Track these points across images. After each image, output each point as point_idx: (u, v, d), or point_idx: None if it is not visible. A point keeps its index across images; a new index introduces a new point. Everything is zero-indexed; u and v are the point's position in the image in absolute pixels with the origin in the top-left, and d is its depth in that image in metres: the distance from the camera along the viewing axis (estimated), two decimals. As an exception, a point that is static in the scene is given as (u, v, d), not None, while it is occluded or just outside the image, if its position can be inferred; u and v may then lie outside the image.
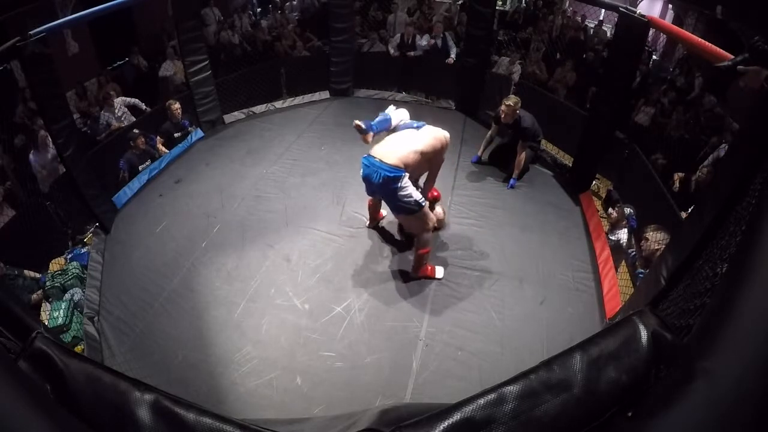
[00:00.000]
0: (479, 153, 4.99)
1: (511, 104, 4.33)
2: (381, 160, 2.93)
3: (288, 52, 6.78)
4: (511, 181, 4.66)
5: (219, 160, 5.02)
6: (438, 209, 3.87)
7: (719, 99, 5.38)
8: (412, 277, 3.53)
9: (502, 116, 4.42)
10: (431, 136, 3.18)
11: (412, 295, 3.41)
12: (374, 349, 3.04)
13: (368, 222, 4.03)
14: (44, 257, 3.90)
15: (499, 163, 4.91)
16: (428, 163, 3.26)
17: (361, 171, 3.08)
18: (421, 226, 3.25)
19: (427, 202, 3.26)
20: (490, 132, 4.96)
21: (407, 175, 2.97)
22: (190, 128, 5.36)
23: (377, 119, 3.21)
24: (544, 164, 5.06)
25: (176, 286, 3.50)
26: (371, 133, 3.16)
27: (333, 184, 4.55)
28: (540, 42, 7.09)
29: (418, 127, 3.22)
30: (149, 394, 0.80)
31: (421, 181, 3.50)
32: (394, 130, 3.24)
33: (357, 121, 3.13)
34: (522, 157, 4.57)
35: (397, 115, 3.30)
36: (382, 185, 2.97)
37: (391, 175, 2.91)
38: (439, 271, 3.55)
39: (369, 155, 3.01)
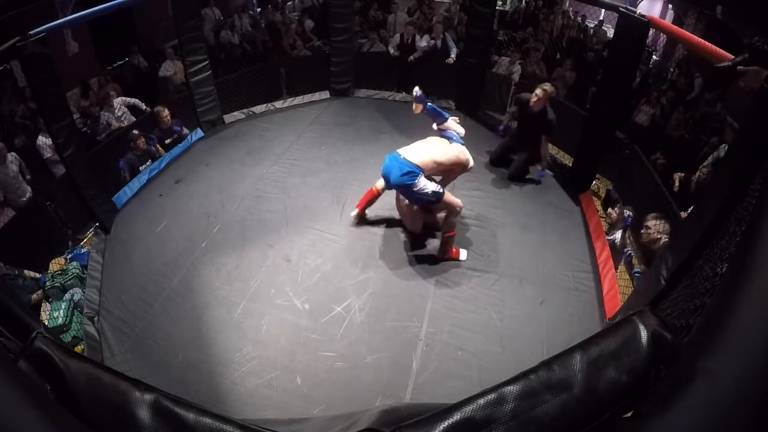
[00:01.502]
0: (506, 122, 4.93)
1: (548, 90, 4.24)
2: (404, 158, 3.27)
3: (288, 52, 6.79)
4: (541, 173, 4.72)
5: (219, 160, 5.02)
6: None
7: (720, 99, 5.39)
8: (412, 277, 3.54)
9: (534, 100, 4.27)
10: (455, 153, 3.51)
11: (412, 295, 3.41)
12: (374, 349, 3.04)
13: (356, 210, 3.98)
14: (44, 257, 3.91)
15: (505, 163, 4.92)
16: (442, 173, 3.56)
17: (383, 166, 3.38)
18: (448, 212, 3.49)
19: (447, 193, 3.43)
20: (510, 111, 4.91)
21: (421, 175, 3.25)
22: (183, 131, 5.29)
23: (435, 106, 3.66)
24: (544, 164, 5.06)
25: (176, 286, 3.50)
26: (422, 106, 3.53)
27: (333, 184, 4.55)
28: (539, 42, 7.10)
29: (453, 140, 3.54)
30: (149, 394, 0.80)
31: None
32: (440, 132, 3.63)
33: (418, 91, 3.49)
34: (546, 151, 4.62)
35: (453, 123, 3.69)
36: (399, 181, 3.25)
37: (409, 170, 3.23)
38: (463, 254, 3.71)
39: (396, 152, 3.35)
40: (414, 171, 3.23)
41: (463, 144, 3.62)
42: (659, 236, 3.22)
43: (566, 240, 4.05)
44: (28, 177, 4.49)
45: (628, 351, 0.83)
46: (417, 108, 3.58)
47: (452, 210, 3.48)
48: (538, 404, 0.77)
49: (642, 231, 3.36)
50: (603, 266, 3.71)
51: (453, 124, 3.69)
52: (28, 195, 4.38)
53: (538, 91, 4.29)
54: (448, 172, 3.61)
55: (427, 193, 3.26)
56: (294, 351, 3.02)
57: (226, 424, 0.77)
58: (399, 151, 3.37)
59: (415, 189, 3.25)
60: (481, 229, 4.06)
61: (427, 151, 3.39)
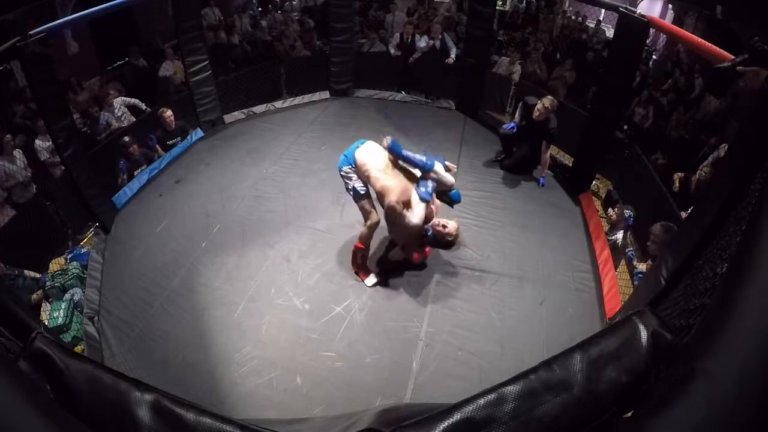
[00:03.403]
0: (516, 120, 4.77)
1: (547, 105, 4.31)
2: (355, 148, 3.19)
3: (288, 52, 6.79)
4: (541, 180, 4.73)
5: (219, 160, 5.02)
6: (451, 223, 3.78)
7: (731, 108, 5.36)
8: (412, 277, 3.54)
9: (536, 114, 4.38)
10: (387, 186, 3.04)
11: (412, 295, 3.41)
12: (374, 349, 3.04)
13: None
14: (44, 257, 3.90)
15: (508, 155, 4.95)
16: (379, 196, 3.19)
17: None
18: (363, 216, 3.35)
19: (368, 199, 3.27)
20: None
21: (353, 169, 3.17)
22: (187, 135, 5.30)
23: (414, 155, 3.14)
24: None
25: (176, 286, 3.50)
26: (395, 157, 3.18)
27: (333, 184, 4.54)
28: (539, 42, 7.10)
29: (419, 189, 3.10)
30: (149, 394, 0.80)
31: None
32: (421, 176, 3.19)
33: (389, 140, 3.12)
34: (547, 156, 4.64)
35: (440, 171, 3.18)
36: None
37: (345, 155, 3.20)
38: (370, 280, 3.47)
39: (365, 140, 3.26)
40: (348, 158, 3.17)
41: (426, 200, 3.06)
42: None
43: (566, 240, 4.05)
44: (28, 174, 4.47)
45: (628, 351, 0.83)
46: (390, 157, 3.21)
47: (364, 218, 3.32)
48: (538, 404, 0.77)
49: (649, 244, 3.35)
50: (603, 266, 3.71)
51: (440, 173, 3.17)
52: (33, 190, 4.38)
53: (539, 105, 4.36)
54: (381, 200, 3.17)
55: (348, 185, 3.24)
56: (294, 351, 3.02)
57: (226, 424, 0.77)
58: (368, 142, 3.23)
59: (341, 174, 3.25)
60: (481, 229, 4.06)
61: (375, 158, 3.12)
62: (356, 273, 3.54)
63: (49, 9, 5.77)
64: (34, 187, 4.44)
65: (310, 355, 3.00)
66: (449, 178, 3.25)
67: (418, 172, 3.20)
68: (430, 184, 3.12)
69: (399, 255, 3.66)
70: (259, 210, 4.25)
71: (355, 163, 3.15)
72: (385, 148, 3.16)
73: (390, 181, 3.07)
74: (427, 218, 3.31)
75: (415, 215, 3.04)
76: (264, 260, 3.69)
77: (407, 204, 3.08)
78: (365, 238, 3.40)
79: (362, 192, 3.23)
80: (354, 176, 3.21)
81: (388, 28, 7.12)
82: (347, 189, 3.29)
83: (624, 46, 3.96)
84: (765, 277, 0.75)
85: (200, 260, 3.71)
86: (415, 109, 6.08)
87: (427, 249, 3.62)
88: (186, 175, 4.82)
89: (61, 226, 4.16)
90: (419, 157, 3.14)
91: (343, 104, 6.25)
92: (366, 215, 3.32)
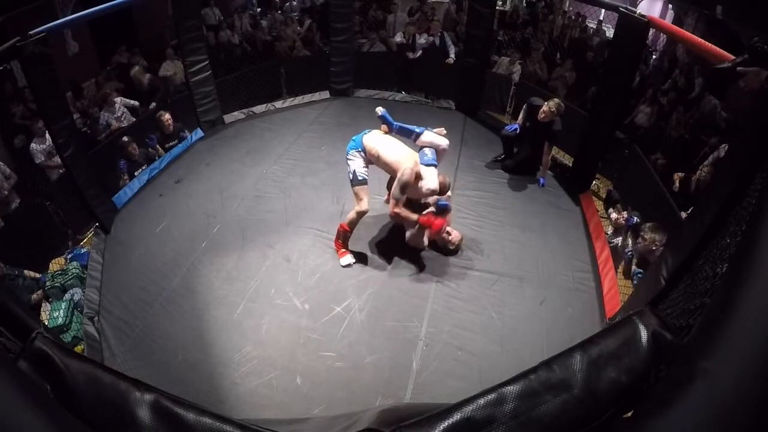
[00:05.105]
0: (519, 122, 4.76)
1: (554, 109, 4.28)
2: (362, 135, 3.46)
3: (288, 52, 6.79)
4: (541, 180, 4.73)
5: (219, 160, 5.02)
6: (456, 233, 3.76)
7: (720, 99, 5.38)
8: (412, 277, 3.54)
9: (542, 116, 4.33)
10: (400, 160, 3.31)
11: (412, 295, 3.41)
12: (374, 349, 3.04)
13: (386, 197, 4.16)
14: (44, 257, 3.90)
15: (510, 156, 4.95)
16: (387, 172, 3.54)
17: None
18: (355, 201, 3.49)
19: (364, 186, 3.43)
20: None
21: (360, 153, 3.43)
22: (185, 134, 5.30)
23: (406, 124, 3.58)
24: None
25: (176, 286, 3.50)
26: (387, 126, 3.58)
27: (333, 184, 4.55)
28: (539, 42, 7.10)
29: (424, 160, 3.40)
30: (149, 394, 0.80)
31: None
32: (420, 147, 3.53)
33: (381, 110, 3.56)
34: (548, 157, 4.65)
35: (431, 136, 3.51)
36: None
37: (353, 139, 3.48)
38: (345, 260, 3.64)
39: (371, 130, 3.55)
40: (356, 143, 3.44)
41: (433, 166, 3.39)
42: (654, 248, 3.15)
43: (566, 240, 4.05)
44: (5, 193, 4.37)
45: (628, 351, 0.83)
46: (383, 128, 3.58)
47: (356, 203, 3.46)
48: (538, 404, 0.77)
49: (639, 242, 3.33)
50: (603, 266, 3.71)
51: (431, 137, 3.52)
52: (15, 205, 4.29)
53: (545, 107, 4.32)
54: (394, 174, 3.40)
55: (349, 170, 3.44)
56: (294, 351, 3.02)
57: (226, 424, 0.77)
58: (374, 130, 3.54)
59: (346, 157, 3.47)
60: (481, 229, 4.06)
61: (383, 142, 3.42)
62: (336, 250, 3.70)
63: (49, 9, 5.78)
64: (18, 201, 4.34)
65: (310, 355, 3.00)
66: (442, 140, 3.54)
67: (414, 152, 3.44)
68: (429, 152, 3.44)
69: (411, 243, 3.65)
70: (259, 210, 4.25)
71: (363, 147, 3.40)
72: (378, 115, 3.53)
73: (402, 155, 3.35)
74: (441, 186, 3.48)
75: (430, 181, 3.32)
76: (264, 260, 3.69)
77: (419, 176, 3.31)
78: (352, 223, 3.55)
79: (360, 178, 3.40)
80: (359, 160, 3.41)
81: (390, 29, 7.12)
82: (348, 172, 3.45)
83: (624, 46, 3.96)
84: (765, 277, 0.75)
85: (200, 260, 3.71)
86: (415, 109, 6.08)
87: (439, 221, 3.49)
88: (186, 175, 4.82)
89: (61, 226, 4.15)
90: (410, 126, 3.55)
91: (343, 104, 6.25)
92: (358, 201, 3.45)
